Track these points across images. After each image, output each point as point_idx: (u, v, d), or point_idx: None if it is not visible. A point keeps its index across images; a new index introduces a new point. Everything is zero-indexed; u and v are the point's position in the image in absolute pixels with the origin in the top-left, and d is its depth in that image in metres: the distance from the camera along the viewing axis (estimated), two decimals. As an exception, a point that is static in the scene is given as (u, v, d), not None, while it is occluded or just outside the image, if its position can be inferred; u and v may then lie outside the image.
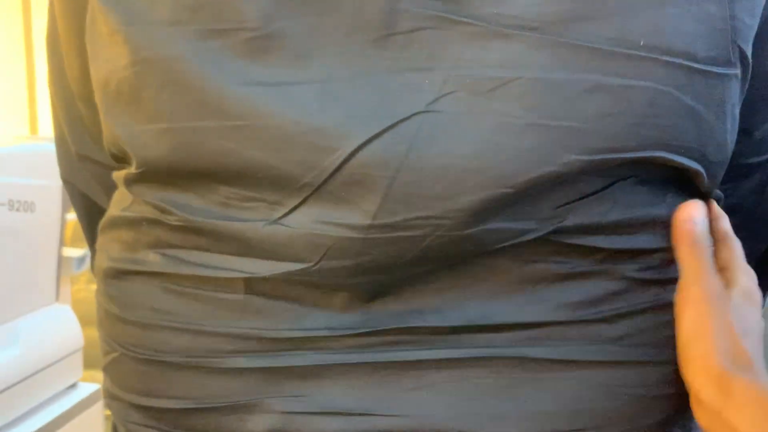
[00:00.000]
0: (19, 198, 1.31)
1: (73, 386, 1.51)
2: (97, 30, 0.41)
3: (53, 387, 1.43)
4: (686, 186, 0.43)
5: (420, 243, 0.37)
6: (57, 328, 1.45)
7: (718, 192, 0.46)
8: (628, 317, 0.40)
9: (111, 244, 0.44)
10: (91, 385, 1.53)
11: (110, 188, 0.46)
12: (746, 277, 0.43)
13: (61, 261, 1.45)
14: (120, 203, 0.44)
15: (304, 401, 0.40)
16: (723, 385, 0.36)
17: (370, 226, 0.36)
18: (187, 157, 0.38)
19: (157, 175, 0.40)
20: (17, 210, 1.31)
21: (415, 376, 0.39)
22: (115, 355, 0.43)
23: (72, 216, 1.83)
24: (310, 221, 0.37)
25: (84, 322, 1.53)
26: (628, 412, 0.40)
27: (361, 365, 0.39)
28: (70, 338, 1.47)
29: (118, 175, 0.43)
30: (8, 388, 1.28)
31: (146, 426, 0.43)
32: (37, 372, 1.37)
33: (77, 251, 1.63)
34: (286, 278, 0.39)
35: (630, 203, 0.40)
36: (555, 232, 0.38)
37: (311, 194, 0.37)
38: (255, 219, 0.38)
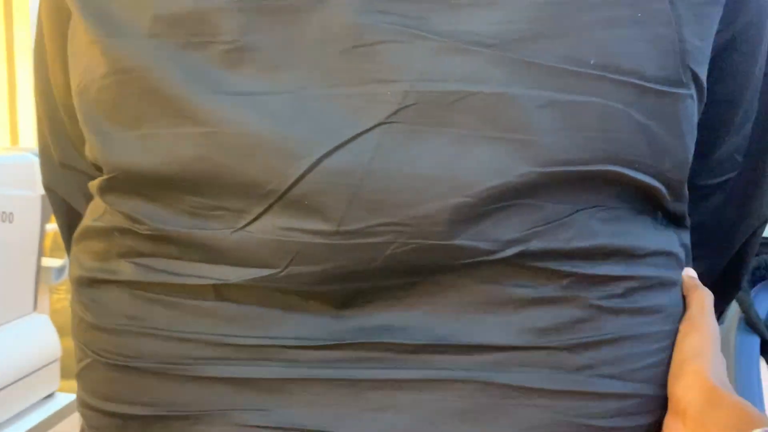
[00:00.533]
0: (-2, 208, 1.32)
1: (50, 396, 1.50)
2: (77, 40, 0.42)
3: (30, 397, 1.43)
4: (651, 216, 0.44)
5: (384, 250, 0.38)
6: (34, 338, 1.44)
7: (685, 212, 0.47)
8: (593, 347, 0.40)
9: (83, 254, 0.45)
10: (68, 396, 1.53)
11: (92, 197, 0.47)
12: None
13: (39, 271, 1.45)
14: (93, 213, 0.45)
15: (266, 415, 0.40)
16: (713, 398, 0.38)
17: (336, 233, 0.38)
18: (164, 163, 0.39)
19: (127, 184, 0.41)
20: (-4, 220, 1.32)
21: (378, 396, 0.40)
22: (87, 361, 0.44)
23: (52, 226, 1.83)
24: (276, 228, 0.38)
25: (64, 332, 1.52)
26: None
27: (326, 381, 0.40)
28: (47, 348, 1.47)
29: (93, 184, 0.44)
30: (-15, 397, 1.28)
31: (110, 431, 0.43)
32: (14, 382, 1.36)
33: (56, 261, 1.63)
34: (255, 284, 0.39)
35: (594, 232, 0.40)
36: (519, 255, 0.39)
37: (276, 201, 0.38)
38: (221, 227, 0.39)
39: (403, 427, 0.39)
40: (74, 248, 0.47)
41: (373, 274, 0.39)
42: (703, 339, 0.42)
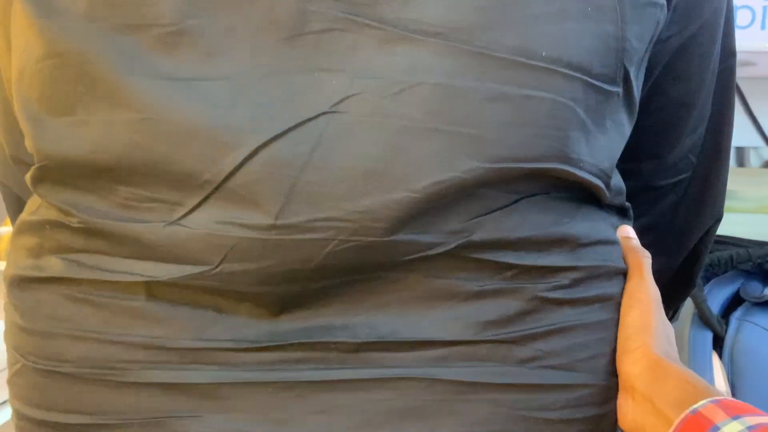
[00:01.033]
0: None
1: (3, 404, 1.47)
2: (17, 23, 0.41)
3: (-17, 404, 1.39)
4: (595, 205, 0.44)
5: (323, 248, 0.37)
6: (-13, 343, 1.41)
7: (627, 204, 0.48)
8: (538, 338, 0.40)
9: (18, 251, 0.44)
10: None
11: None
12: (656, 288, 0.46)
13: (-8, 275, 1.42)
14: (30, 207, 0.44)
15: (204, 422, 0.39)
16: (658, 371, 0.39)
17: (272, 227, 0.36)
18: (96, 151, 0.38)
19: (60, 173, 0.40)
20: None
21: (319, 398, 0.39)
22: (17, 366, 0.43)
23: (5, 229, 1.79)
24: (211, 222, 0.37)
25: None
26: None
27: (264, 384, 0.39)
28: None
29: (27, 176, 0.43)
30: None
31: None
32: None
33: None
34: (187, 283, 0.38)
35: (538, 221, 0.40)
36: (463, 246, 0.38)
37: (212, 193, 0.37)
38: (154, 220, 0.38)
39: (346, 429, 0.38)
40: (11, 245, 0.45)
41: (311, 276, 0.38)
42: (644, 312, 0.42)
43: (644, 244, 0.49)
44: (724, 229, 0.96)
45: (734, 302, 1.00)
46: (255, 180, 0.36)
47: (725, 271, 1.03)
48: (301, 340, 0.39)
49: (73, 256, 0.40)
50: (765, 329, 0.91)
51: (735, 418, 0.33)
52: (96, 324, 0.40)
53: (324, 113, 0.37)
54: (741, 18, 0.90)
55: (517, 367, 0.40)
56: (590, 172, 0.41)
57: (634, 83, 0.42)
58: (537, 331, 0.40)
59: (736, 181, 1.12)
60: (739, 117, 1.05)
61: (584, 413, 0.41)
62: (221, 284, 0.38)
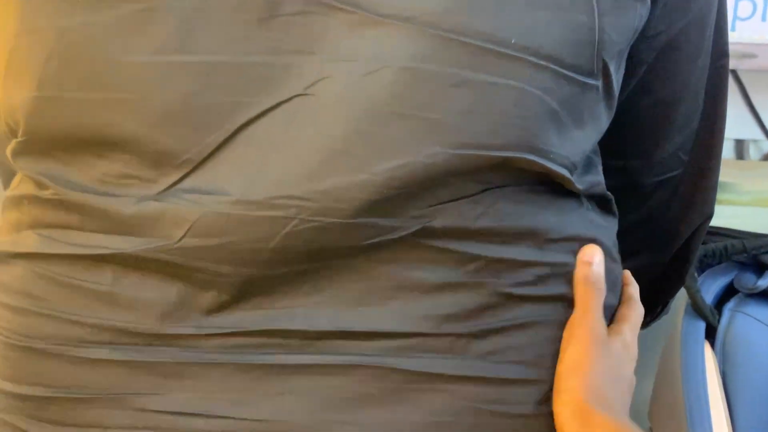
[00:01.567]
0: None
1: None
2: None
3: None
4: (573, 199, 0.44)
5: (284, 226, 0.37)
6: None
7: (608, 194, 0.48)
8: (499, 333, 0.40)
9: (3, 227, 0.45)
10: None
11: None
12: (632, 333, 0.45)
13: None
14: (13, 184, 0.45)
15: (165, 400, 0.40)
16: (585, 419, 0.39)
17: (237, 202, 0.37)
18: (72, 127, 0.39)
19: (39, 145, 0.41)
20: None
21: (277, 381, 0.39)
22: None
23: None
24: (181, 197, 0.38)
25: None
26: (491, 429, 0.40)
27: (226, 365, 0.40)
28: None
29: (8, 149, 0.43)
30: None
31: (10, 413, 0.42)
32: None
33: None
34: (152, 257, 0.38)
35: (503, 212, 0.40)
36: (423, 234, 0.39)
37: (190, 171, 0.38)
38: (128, 195, 0.39)
39: (302, 412, 0.39)
40: (1, 222, 0.47)
41: (272, 257, 0.38)
42: (581, 350, 0.41)
43: (634, 240, 0.49)
44: (723, 221, 0.96)
45: (728, 293, 1.00)
46: (231, 159, 0.37)
47: (719, 262, 1.03)
48: (264, 327, 0.39)
49: (46, 232, 0.41)
50: (758, 320, 0.91)
51: None
52: (64, 305, 0.41)
53: (298, 95, 0.37)
54: (742, 10, 0.90)
55: (475, 360, 0.40)
56: (560, 164, 0.40)
57: (613, 77, 0.42)
58: (498, 326, 0.40)
59: (735, 174, 1.12)
60: (739, 109, 1.05)
61: (544, 409, 0.41)
62: (184, 260, 0.38)
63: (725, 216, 1.03)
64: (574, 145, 0.41)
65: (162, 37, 0.38)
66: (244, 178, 0.37)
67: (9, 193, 0.45)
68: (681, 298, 0.99)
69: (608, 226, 0.47)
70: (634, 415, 0.85)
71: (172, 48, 0.37)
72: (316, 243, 0.38)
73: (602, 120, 0.43)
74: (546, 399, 0.41)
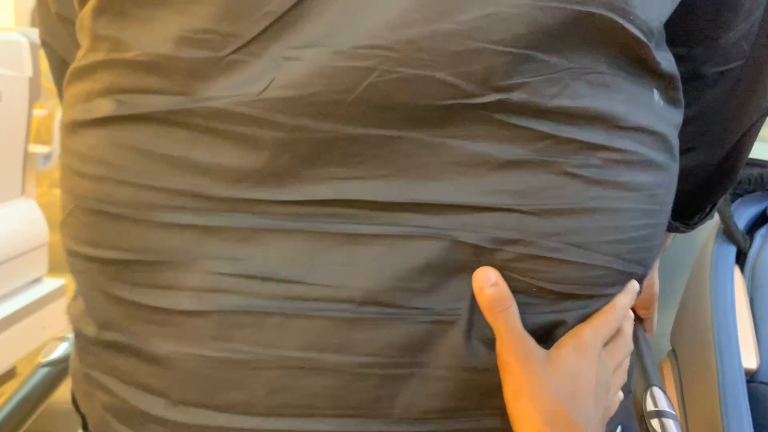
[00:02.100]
0: (-15, 88, 1.30)
1: (37, 280, 1.52)
2: None
3: (18, 279, 1.45)
4: (645, 89, 0.43)
5: (365, 77, 0.37)
6: (23, 221, 1.45)
7: (677, 74, 0.46)
8: (563, 214, 0.40)
9: (70, 99, 0.45)
10: (56, 281, 1.55)
11: None
12: (593, 332, 0.43)
13: (27, 155, 1.44)
14: (77, 57, 0.45)
15: (237, 264, 0.40)
16: None
17: (320, 53, 0.37)
18: None
19: (118, 3, 0.40)
20: (-17, 100, 1.30)
21: (349, 249, 0.40)
22: (71, 207, 0.45)
23: (39, 112, 1.80)
24: (263, 50, 0.38)
25: (48, 226, 1.53)
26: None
27: (297, 233, 0.40)
28: (35, 232, 1.48)
29: (84, 12, 0.43)
30: (-26, 276, 1.30)
31: (90, 275, 0.44)
32: (2, 263, 1.38)
33: (43, 148, 1.62)
34: (231, 109, 0.38)
35: (578, 93, 0.40)
36: (498, 108, 0.39)
37: (272, 24, 0.37)
38: (210, 51, 0.38)
39: (369, 279, 0.40)
40: (64, 95, 0.47)
41: (347, 114, 0.38)
42: (516, 378, 0.40)
43: (690, 136, 0.47)
44: (762, 155, 0.95)
45: (760, 220, 1.01)
46: (309, 10, 0.37)
47: (754, 190, 1.03)
48: (335, 197, 0.40)
49: (122, 97, 0.41)
50: (788, 248, 0.92)
51: None
52: (137, 170, 0.41)
53: None
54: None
55: (537, 238, 0.40)
56: (638, 27, 0.40)
57: None
58: (562, 207, 0.40)
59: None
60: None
61: (594, 291, 0.42)
62: (264, 113, 0.38)
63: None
64: (653, 9, 0.41)
65: None
66: (328, 29, 0.37)
67: (75, 65, 0.44)
68: (712, 222, 0.99)
69: (673, 120, 0.47)
70: (656, 337, 0.86)
71: None
72: (395, 98, 0.38)
73: None
74: (601, 284, 0.42)
